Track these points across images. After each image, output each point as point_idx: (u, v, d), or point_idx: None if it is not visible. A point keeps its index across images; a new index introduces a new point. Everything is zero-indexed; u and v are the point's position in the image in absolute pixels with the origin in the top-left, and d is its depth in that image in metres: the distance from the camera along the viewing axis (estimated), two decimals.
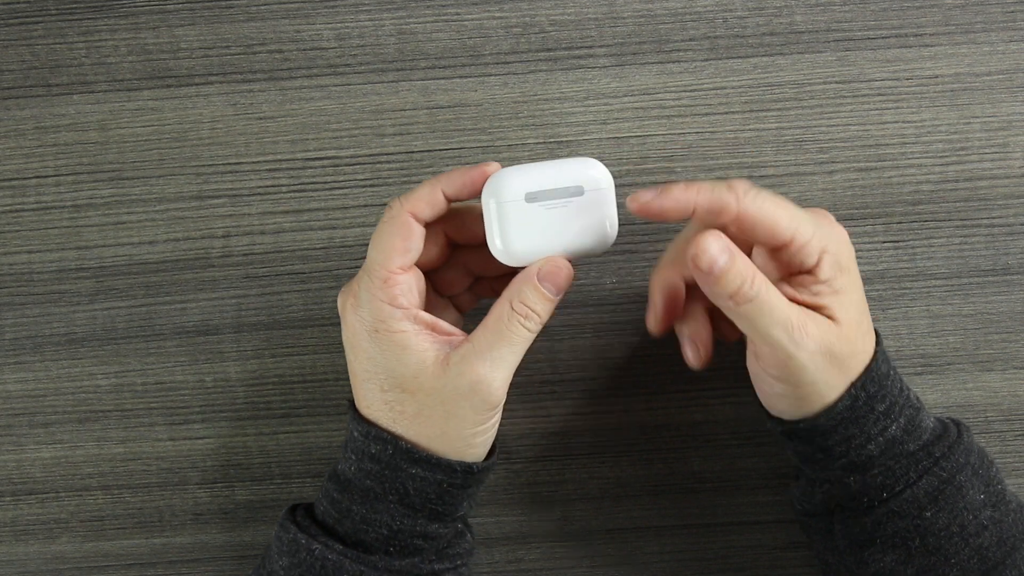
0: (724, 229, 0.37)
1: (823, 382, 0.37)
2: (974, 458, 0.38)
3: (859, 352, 0.37)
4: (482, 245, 0.40)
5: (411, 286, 0.38)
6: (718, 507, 0.48)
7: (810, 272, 0.37)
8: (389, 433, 0.38)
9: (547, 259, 0.38)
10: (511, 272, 0.40)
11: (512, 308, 0.37)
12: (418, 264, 0.39)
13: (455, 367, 0.37)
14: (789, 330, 0.36)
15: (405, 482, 0.38)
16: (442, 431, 0.38)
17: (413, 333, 0.37)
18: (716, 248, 0.35)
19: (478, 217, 0.39)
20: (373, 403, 0.38)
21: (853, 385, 0.37)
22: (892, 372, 0.39)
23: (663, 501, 0.48)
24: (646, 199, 0.36)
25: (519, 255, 0.38)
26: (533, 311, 0.38)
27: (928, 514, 0.37)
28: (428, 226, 0.38)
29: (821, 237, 0.36)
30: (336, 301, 0.40)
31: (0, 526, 0.48)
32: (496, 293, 0.42)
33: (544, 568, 0.48)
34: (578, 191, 0.38)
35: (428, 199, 0.38)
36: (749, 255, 0.41)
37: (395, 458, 0.38)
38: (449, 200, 0.38)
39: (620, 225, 0.39)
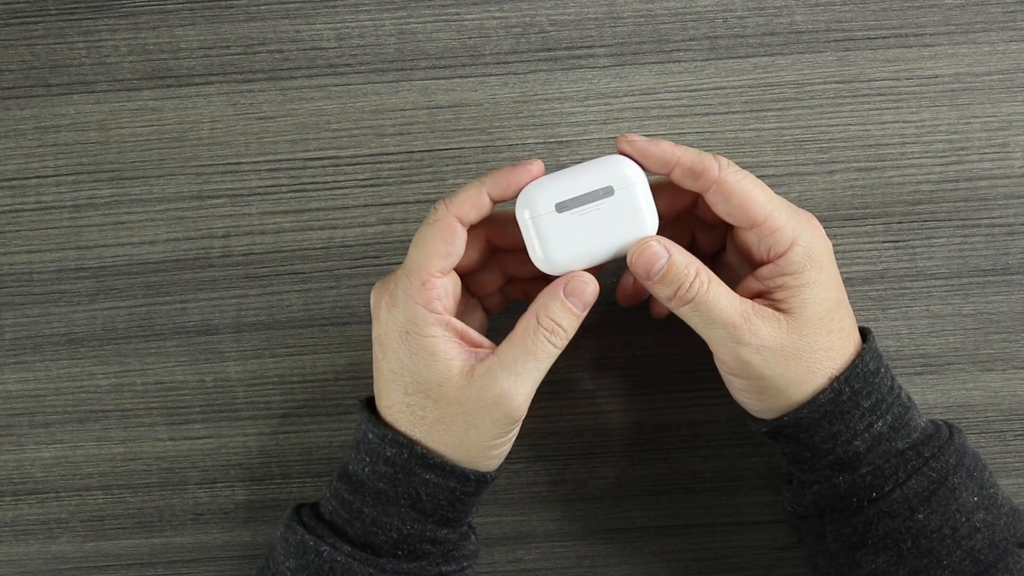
0: (698, 205, 0.39)
1: (779, 376, 0.37)
2: (968, 459, 0.38)
3: (823, 348, 0.37)
4: (520, 250, 0.39)
5: (448, 290, 0.38)
6: (718, 507, 0.48)
7: (778, 260, 0.37)
8: (405, 437, 0.38)
9: (573, 275, 0.38)
10: (545, 275, 0.40)
11: (538, 323, 0.38)
12: (456, 267, 0.38)
13: (479, 379, 0.37)
14: (731, 328, 0.37)
15: (418, 487, 0.38)
16: (460, 440, 0.38)
17: (443, 339, 0.37)
18: (653, 252, 0.37)
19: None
20: (394, 404, 0.38)
21: (836, 379, 0.37)
22: (882, 370, 0.38)
23: (663, 501, 0.48)
24: (635, 138, 0.38)
25: (560, 264, 0.38)
26: (559, 326, 0.38)
27: (920, 515, 0.37)
28: (471, 230, 0.38)
29: (795, 227, 0.37)
30: (368, 297, 0.40)
31: (0, 526, 0.48)
32: (527, 296, 0.42)
33: (544, 568, 0.48)
34: (608, 192, 0.38)
35: (473, 202, 0.37)
36: (723, 244, 0.41)
37: (410, 462, 0.38)
38: (494, 202, 0.38)
39: None
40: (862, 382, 0.37)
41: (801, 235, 0.37)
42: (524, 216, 0.38)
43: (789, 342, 0.37)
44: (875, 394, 0.38)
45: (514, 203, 0.38)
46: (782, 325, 0.37)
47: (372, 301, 0.39)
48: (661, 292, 0.37)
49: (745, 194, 0.37)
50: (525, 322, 0.38)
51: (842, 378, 0.37)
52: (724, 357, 0.38)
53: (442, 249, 0.37)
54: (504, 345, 0.38)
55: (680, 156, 0.37)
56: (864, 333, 0.40)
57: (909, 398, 0.39)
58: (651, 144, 0.37)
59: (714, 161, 0.37)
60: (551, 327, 0.37)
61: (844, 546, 0.39)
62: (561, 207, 0.37)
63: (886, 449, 0.38)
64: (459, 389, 0.37)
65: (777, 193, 0.46)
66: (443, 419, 0.38)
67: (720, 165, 0.37)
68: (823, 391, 0.37)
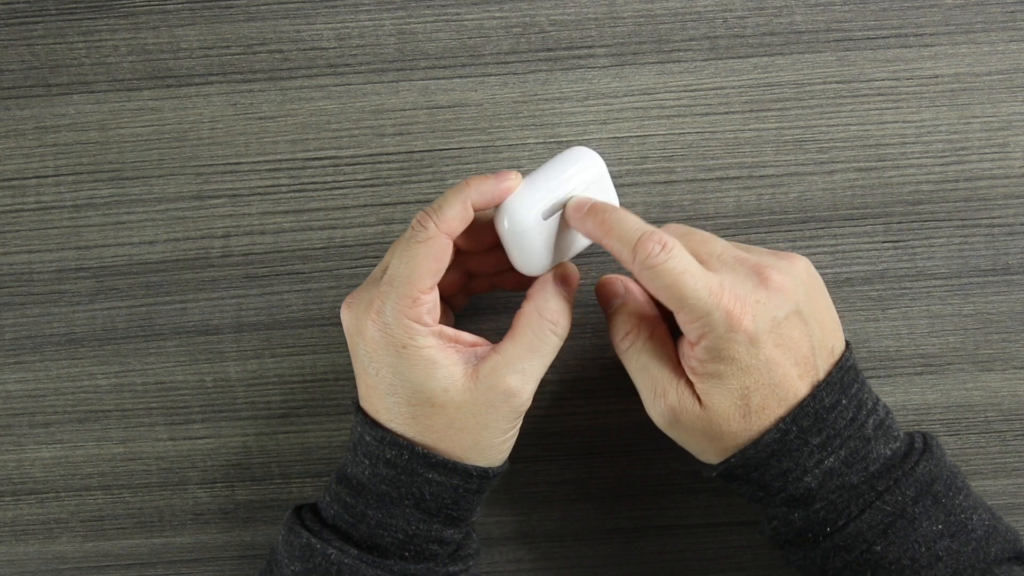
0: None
1: (688, 446, 0.39)
2: (939, 485, 0.37)
3: (735, 432, 0.37)
4: (486, 251, 0.41)
5: (436, 302, 0.38)
6: (718, 507, 0.48)
7: (692, 347, 0.37)
8: (404, 438, 0.38)
9: (559, 266, 0.40)
10: (507, 267, 0.40)
11: (541, 316, 0.38)
12: None
13: (485, 379, 0.38)
14: (650, 395, 0.38)
15: (421, 487, 0.38)
16: (475, 441, 0.38)
17: (439, 348, 0.37)
18: (612, 290, 0.40)
19: (485, 226, 0.40)
20: (397, 416, 0.38)
21: (782, 420, 0.36)
22: (842, 403, 0.37)
23: (663, 501, 0.48)
24: (571, 216, 0.39)
25: (546, 266, 0.40)
26: (562, 317, 0.39)
27: (878, 547, 0.36)
28: None
29: (709, 322, 0.35)
30: (340, 309, 0.40)
31: (0, 526, 0.48)
32: (492, 288, 0.43)
33: (544, 568, 0.48)
34: (579, 191, 0.39)
35: (461, 217, 0.37)
36: None
37: (411, 463, 0.38)
38: (476, 212, 0.38)
39: None
40: (812, 420, 0.37)
41: (714, 330, 0.36)
42: (509, 230, 0.38)
43: (699, 425, 0.37)
44: (827, 430, 0.37)
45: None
46: (695, 409, 0.37)
47: (348, 319, 0.39)
48: (609, 331, 0.40)
49: (658, 289, 0.36)
50: (526, 319, 0.39)
51: (789, 418, 0.36)
52: (647, 411, 0.39)
53: (434, 267, 0.37)
54: (507, 343, 0.38)
55: (604, 242, 0.37)
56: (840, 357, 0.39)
57: (879, 425, 0.38)
58: (586, 218, 0.38)
59: (631, 252, 0.36)
60: (555, 319, 0.39)
61: None
62: (546, 215, 0.39)
63: (839, 484, 0.37)
64: (465, 392, 0.37)
65: (776, 194, 0.46)
66: (453, 424, 0.38)
67: (637, 255, 0.36)
68: (768, 431, 0.37)
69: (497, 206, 0.39)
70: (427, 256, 0.37)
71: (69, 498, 0.48)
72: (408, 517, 0.38)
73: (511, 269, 0.41)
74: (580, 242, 0.40)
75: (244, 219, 0.47)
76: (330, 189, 0.47)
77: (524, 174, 0.39)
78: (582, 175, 0.39)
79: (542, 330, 0.38)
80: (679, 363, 0.38)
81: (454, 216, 0.37)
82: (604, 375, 0.47)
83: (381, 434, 0.38)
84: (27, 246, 0.47)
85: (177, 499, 0.48)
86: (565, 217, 0.39)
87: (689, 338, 0.37)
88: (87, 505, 0.48)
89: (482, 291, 0.44)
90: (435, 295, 0.38)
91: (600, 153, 0.46)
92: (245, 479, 0.48)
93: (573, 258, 0.41)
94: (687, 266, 0.36)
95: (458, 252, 0.41)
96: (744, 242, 0.46)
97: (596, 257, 0.47)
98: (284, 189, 0.47)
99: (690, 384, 0.37)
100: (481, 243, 0.41)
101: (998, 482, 0.47)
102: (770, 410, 0.37)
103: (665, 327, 0.39)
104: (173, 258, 0.47)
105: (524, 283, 0.41)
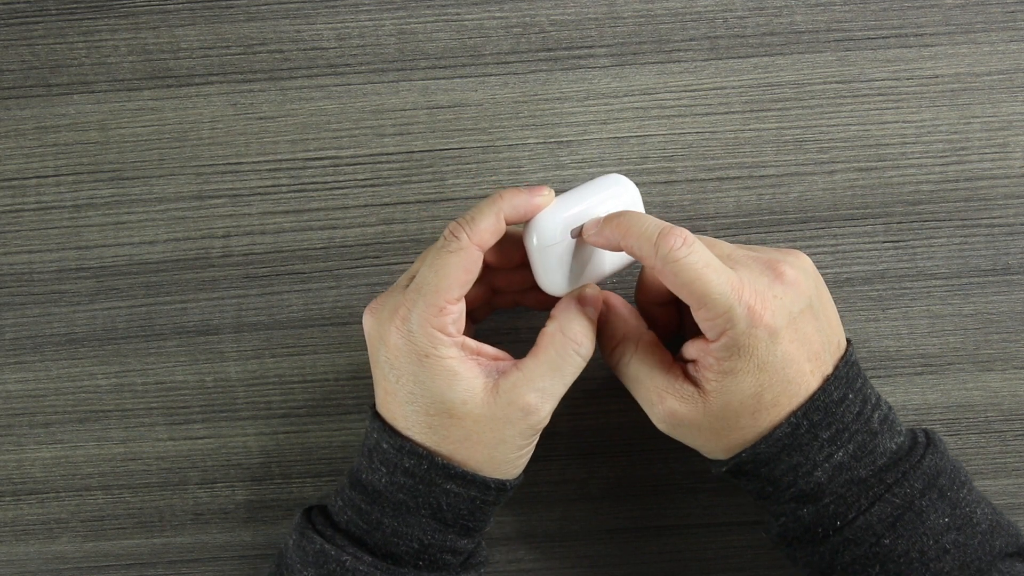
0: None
1: (695, 445, 0.39)
2: (943, 479, 0.37)
3: (743, 428, 0.37)
4: (513, 268, 0.41)
5: (462, 314, 0.38)
6: (718, 507, 0.48)
7: (709, 344, 0.37)
8: (423, 448, 0.38)
9: (583, 287, 0.40)
10: (532, 286, 0.40)
11: (565, 336, 0.38)
12: None
13: (505, 395, 0.37)
14: (646, 401, 0.39)
15: (439, 497, 0.38)
16: (490, 455, 0.38)
17: (461, 360, 0.37)
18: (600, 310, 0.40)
19: (515, 242, 0.40)
20: (415, 425, 0.38)
21: (794, 413, 0.37)
22: (850, 396, 0.37)
23: (663, 501, 0.48)
24: (589, 232, 0.39)
25: (569, 287, 0.40)
26: (585, 337, 0.39)
27: (887, 541, 0.36)
28: None
29: (732, 318, 0.35)
30: (362, 315, 0.40)
31: (0, 526, 0.48)
32: (516, 305, 0.43)
33: (544, 568, 0.48)
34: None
35: (494, 229, 0.38)
36: None
37: (430, 473, 0.38)
38: (507, 226, 0.38)
39: None
40: (821, 414, 0.37)
41: (735, 325, 0.35)
42: (537, 246, 0.38)
43: (705, 423, 0.37)
44: (836, 424, 0.37)
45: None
46: (698, 407, 0.37)
47: (371, 325, 0.39)
48: (599, 345, 0.40)
49: (681, 283, 0.36)
50: (549, 338, 0.39)
51: (800, 412, 0.36)
52: (650, 418, 0.39)
53: (463, 278, 0.37)
54: (529, 360, 0.38)
55: (623, 244, 0.37)
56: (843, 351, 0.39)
57: (883, 419, 0.38)
58: (598, 235, 0.38)
59: (652, 247, 0.36)
60: (579, 340, 0.38)
61: (814, 573, 0.39)
62: (574, 234, 0.39)
63: (848, 478, 0.37)
64: (484, 406, 0.37)
65: (777, 194, 0.46)
66: (470, 437, 0.38)
67: (659, 250, 0.35)
68: (779, 425, 0.37)
69: (527, 222, 0.39)
70: (457, 266, 0.37)
71: (69, 498, 0.48)
72: (424, 527, 0.38)
73: (536, 288, 0.40)
74: (605, 266, 0.40)
75: (244, 219, 0.47)
76: (330, 189, 0.47)
77: (536, 182, 0.39)
78: (614, 200, 0.39)
79: (565, 350, 0.38)
80: (673, 365, 0.38)
81: (486, 228, 0.37)
82: (605, 375, 0.47)
83: (400, 442, 0.38)
84: (27, 246, 0.47)
85: (177, 499, 0.48)
86: (583, 237, 0.39)
87: (708, 335, 0.36)
88: (87, 505, 0.48)
89: (505, 307, 0.44)
90: (461, 306, 0.38)
91: (600, 153, 0.47)
92: (245, 479, 0.48)
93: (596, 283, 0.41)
94: (709, 260, 0.36)
95: (485, 267, 0.41)
96: (744, 242, 0.47)
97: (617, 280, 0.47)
98: (284, 189, 0.47)
99: (690, 383, 0.37)
100: (509, 260, 0.41)
101: (998, 482, 0.47)
102: (781, 406, 0.37)
103: (652, 335, 0.40)
104: (173, 258, 0.47)
105: (547, 303, 0.41)
